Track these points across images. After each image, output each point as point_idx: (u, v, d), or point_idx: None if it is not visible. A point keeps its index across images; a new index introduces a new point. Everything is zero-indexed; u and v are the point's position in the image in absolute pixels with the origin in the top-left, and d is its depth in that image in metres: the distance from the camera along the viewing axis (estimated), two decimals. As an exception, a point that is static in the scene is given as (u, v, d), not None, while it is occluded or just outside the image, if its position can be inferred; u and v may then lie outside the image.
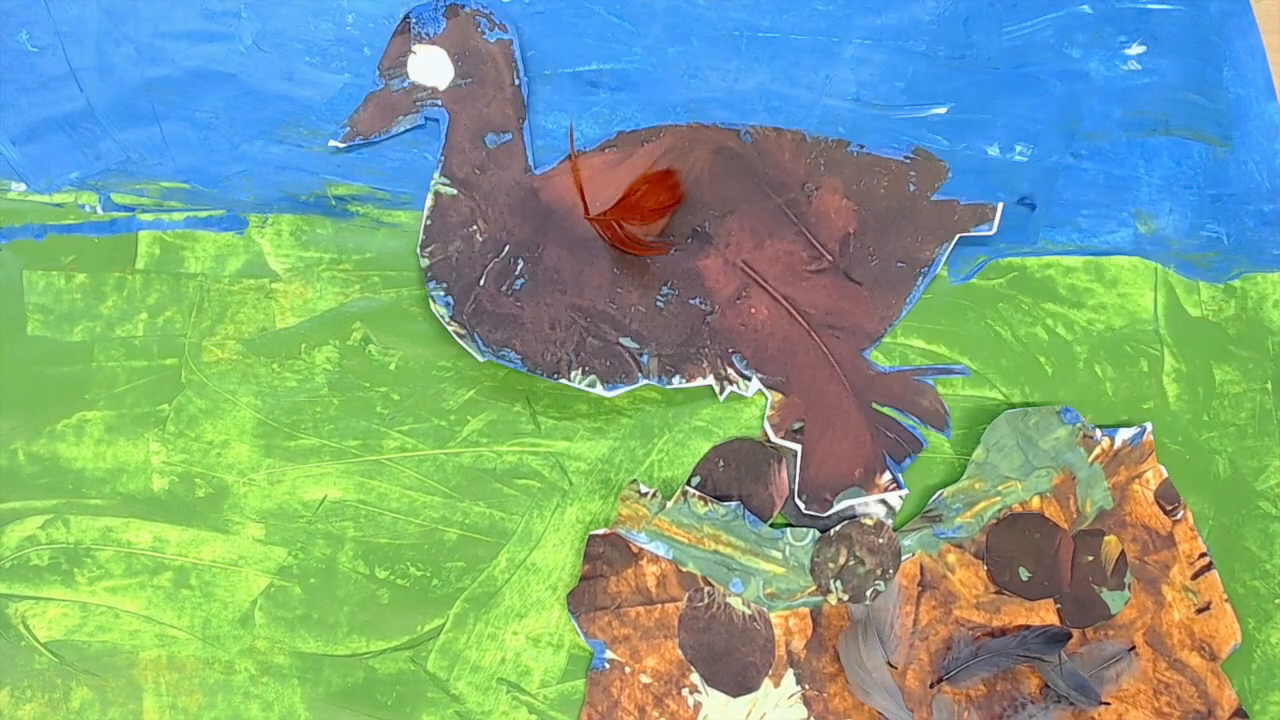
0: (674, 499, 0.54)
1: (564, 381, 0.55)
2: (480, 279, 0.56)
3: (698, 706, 0.52)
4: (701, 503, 0.54)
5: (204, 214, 0.58)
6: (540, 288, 0.56)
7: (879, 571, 0.54)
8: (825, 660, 0.53)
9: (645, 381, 0.55)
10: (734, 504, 0.54)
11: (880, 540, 0.54)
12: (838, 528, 0.54)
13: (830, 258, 0.57)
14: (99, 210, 0.57)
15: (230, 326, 0.56)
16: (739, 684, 0.52)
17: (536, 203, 0.57)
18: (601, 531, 0.54)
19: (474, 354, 0.55)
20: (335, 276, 0.57)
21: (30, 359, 0.55)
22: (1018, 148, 0.60)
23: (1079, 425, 0.56)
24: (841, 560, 0.54)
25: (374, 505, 0.55)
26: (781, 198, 0.58)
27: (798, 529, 0.54)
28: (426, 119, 0.59)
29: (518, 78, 0.59)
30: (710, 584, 0.53)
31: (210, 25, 0.60)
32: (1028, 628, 0.53)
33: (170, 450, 0.55)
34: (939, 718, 0.52)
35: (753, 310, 0.57)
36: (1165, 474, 0.56)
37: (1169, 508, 0.55)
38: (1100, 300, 0.59)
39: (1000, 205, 0.58)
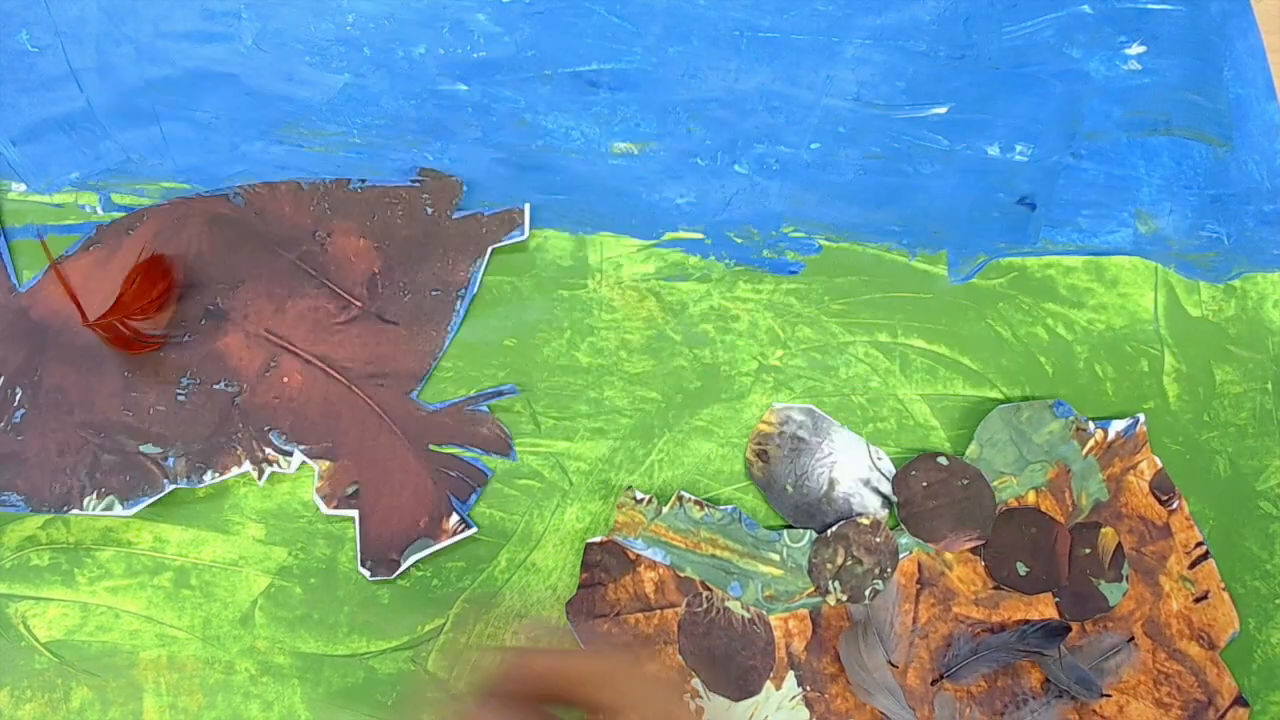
0: (670, 504, 0.54)
1: (76, 512, 0.51)
2: None
3: (699, 711, 0.52)
4: (698, 507, 0.54)
5: (204, 214, 0.58)
6: (44, 414, 0.52)
7: (877, 571, 0.54)
8: (826, 661, 0.53)
9: (173, 487, 0.52)
10: (730, 507, 0.54)
11: (877, 539, 0.54)
12: (834, 528, 0.54)
13: (359, 303, 0.54)
14: (99, 210, 0.57)
15: (230, 327, 0.56)
16: (740, 688, 0.52)
17: (28, 323, 0.53)
18: (598, 539, 0.54)
19: None
20: (335, 277, 0.57)
21: (30, 359, 0.55)
22: (1018, 148, 0.60)
23: (1072, 418, 0.56)
24: (839, 560, 0.54)
25: (374, 505, 0.55)
26: (293, 253, 0.55)
27: (794, 530, 0.54)
28: None
29: None
30: (709, 588, 0.53)
31: (210, 25, 0.60)
32: (1027, 622, 0.53)
33: (170, 450, 0.55)
34: (941, 715, 0.52)
35: (285, 379, 0.53)
36: (1160, 464, 0.56)
37: (1164, 498, 0.55)
38: (1100, 300, 0.59)
39: (528, 206, 0.56)
